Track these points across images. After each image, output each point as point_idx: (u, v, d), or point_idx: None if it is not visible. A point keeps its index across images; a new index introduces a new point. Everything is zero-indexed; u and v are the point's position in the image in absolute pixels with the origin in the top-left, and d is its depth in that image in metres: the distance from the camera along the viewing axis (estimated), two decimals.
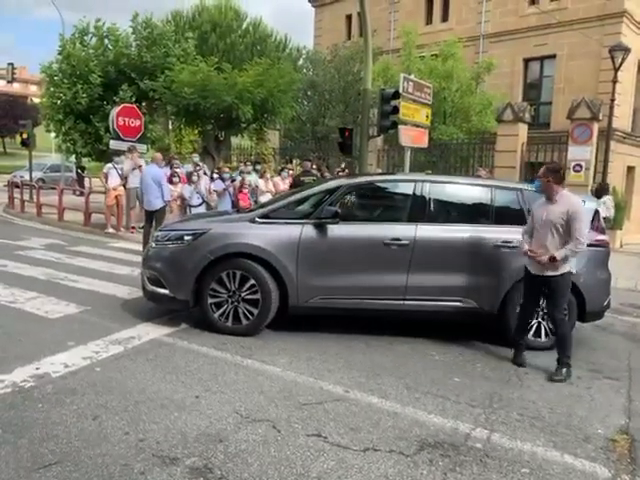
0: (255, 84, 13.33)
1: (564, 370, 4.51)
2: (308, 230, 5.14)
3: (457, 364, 4.72)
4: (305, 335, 5.24)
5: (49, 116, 15.02)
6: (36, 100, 41.64)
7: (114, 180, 11.77)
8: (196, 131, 16.89)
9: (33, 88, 65.04)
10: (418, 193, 5.31)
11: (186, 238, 5.21)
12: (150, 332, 5.08)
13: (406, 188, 5.50)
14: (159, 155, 10.51)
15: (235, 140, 19.10)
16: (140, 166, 11.42)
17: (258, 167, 12.60)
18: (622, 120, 18.91)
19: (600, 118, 13.24)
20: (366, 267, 5.13)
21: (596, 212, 5.43)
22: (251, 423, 3.39)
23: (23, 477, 2.70)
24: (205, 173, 11.57)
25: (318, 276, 5.11)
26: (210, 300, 5.11)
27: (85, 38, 15.31)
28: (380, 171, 13.84)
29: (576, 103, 13.34)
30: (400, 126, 11.03)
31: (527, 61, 20.98)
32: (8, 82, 29.53)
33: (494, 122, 15.64)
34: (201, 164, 12.14)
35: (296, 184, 10.01)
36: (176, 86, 13.26)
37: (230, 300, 5.10)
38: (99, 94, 14.20)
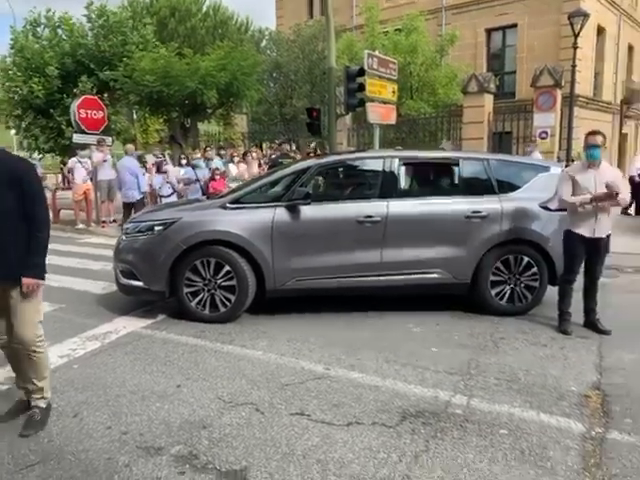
0: (218, 68, 13.11)
1: None
2: (280, 213, 5.12)
3: (434, 334, 4.80)
4: (285, 317, 5.26)
5: (7, 112, 14.57)
6: None
7: (80, 175, 11.51)
8: (161, 120, 16.59)
9: None
10: (387, 169, 5.33)
11: (157, 228, 5.14)
12: (127, 325, 5.03)
13: (375, 165, 5.50)
14: (131, 146, 10.32)
15: (202, 126, 18.81)
16: (105, 160, 11.22)
17: (222, 152, 12.41)
18: (584, 85, 19.22)
19: (562, 84, 13.42)
20: (340, 246, 5.14)
21: None
22: (234, 407, 3.41)
23: (5, 479, 2.68)
24: (167, 164, 11.40)
25: (293, 258, 5.10)
26: (186, 289, 5.08)
27: (37, 29, 14.81)
28: (351, 149, 13.83)
29: (539, 71, 13.48)
30: (368, 103, 11.00)
31: (489, 31, 21.09)
32: None
33: (460, 94, 15.71)
34: (162, 155, 11.95)
35: (274, 167, 9.90)
36: (137, 74, 12.95)
37: (206, 288, 5.07)
38: (58, 87, 13.78)
